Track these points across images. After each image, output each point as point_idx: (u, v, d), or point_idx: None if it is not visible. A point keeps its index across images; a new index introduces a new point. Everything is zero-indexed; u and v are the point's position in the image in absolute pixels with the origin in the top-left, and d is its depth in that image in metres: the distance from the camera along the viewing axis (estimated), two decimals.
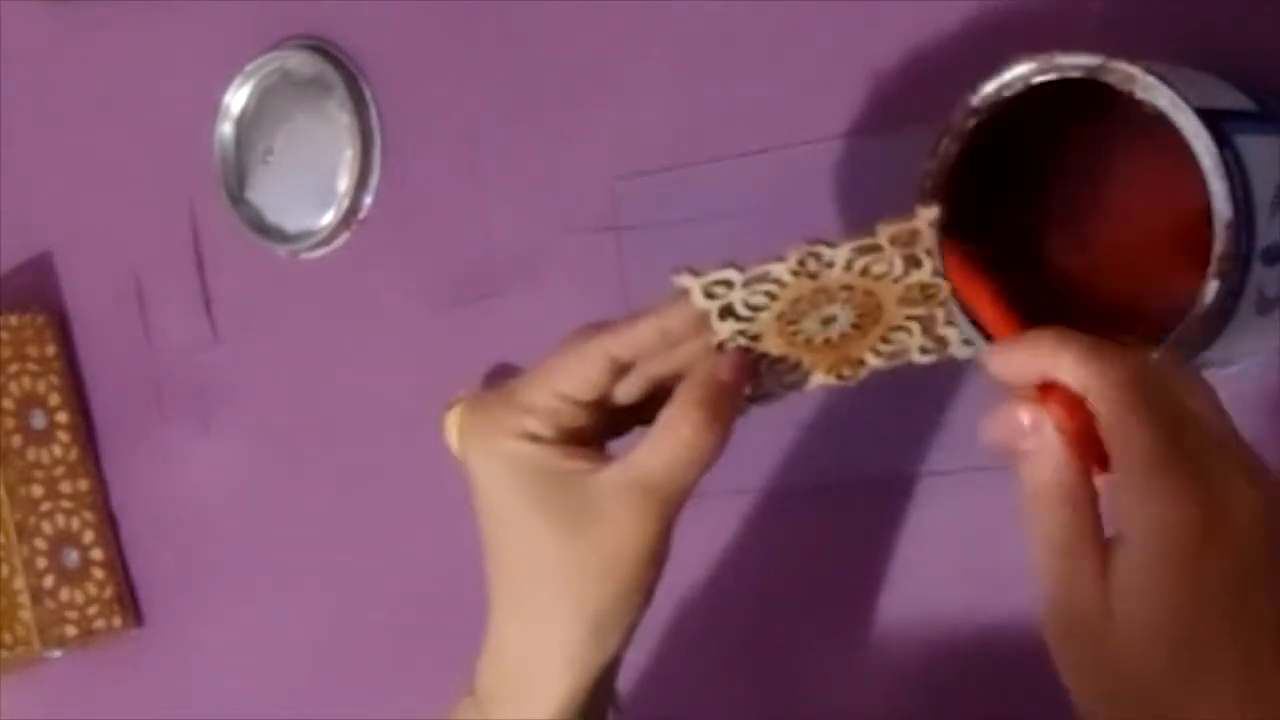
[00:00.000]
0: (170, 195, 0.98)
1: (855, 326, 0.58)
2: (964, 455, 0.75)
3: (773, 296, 0.56)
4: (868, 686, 0.79)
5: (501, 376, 0.88)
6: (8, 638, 0.96)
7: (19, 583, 0.97)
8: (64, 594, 0.99)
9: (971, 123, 0.61)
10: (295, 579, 0.96)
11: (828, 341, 0.58)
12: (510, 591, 0.58)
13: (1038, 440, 0.51)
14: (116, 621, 1.01)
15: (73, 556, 1.00)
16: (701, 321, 0.57)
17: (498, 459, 0.57)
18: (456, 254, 0.89)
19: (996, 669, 0.75)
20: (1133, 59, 0.58)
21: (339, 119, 0.92)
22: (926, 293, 0.57)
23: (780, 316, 0.57)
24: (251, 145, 0.96)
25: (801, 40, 0.78)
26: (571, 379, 0.57)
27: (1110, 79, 0.58)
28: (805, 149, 0.77)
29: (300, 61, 0.93)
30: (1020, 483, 0.51)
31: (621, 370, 0.57)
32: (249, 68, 0.95)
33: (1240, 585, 0.48)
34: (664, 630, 0.83)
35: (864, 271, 0.56)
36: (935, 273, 0.56)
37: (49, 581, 0.98)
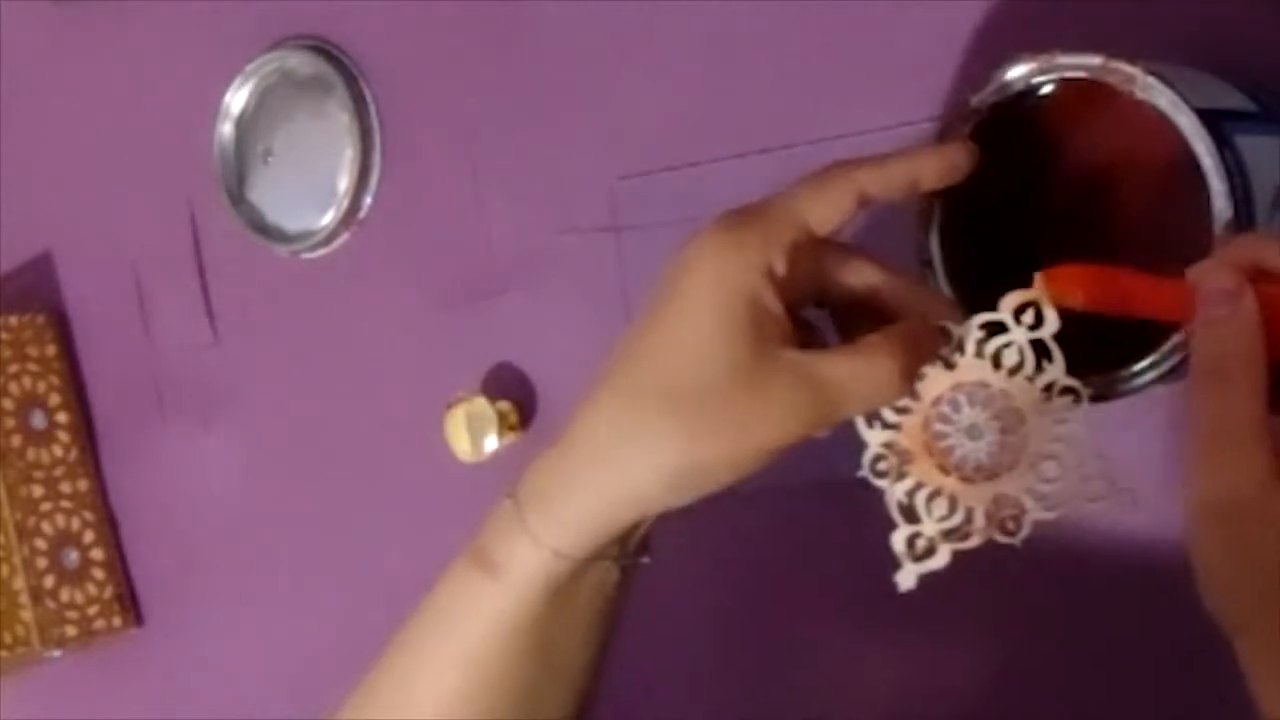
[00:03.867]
0: (170, 195, 0.99)
1: (1005, 449, 0.56)
2: None
3: (913, 395, 0.56)
4: (865, 687, 0.79)
5: (502, 377, 0.88)
6: (8, 638, 0.96)
7: (19, 583, 0.97)
8: (64, 594, 0.99)
9: (972, 123, 0.61)
10: (295, 579, 0.96)
11: (980, 467, 0.56)
12: (632, 396, 0.55)
13: (1234, 308, 0.50)
14: (117, 621, 1.01)
15: (73, 557, 1.00)
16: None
17: (733, 279, 0.54)
18: (456, 254, 0.89)
19: (996, 668, 0.75)
20: (1133, 59, 0.58)
21: (339, 119, 0.92)
22: (1067, 401, 0.56)
23: (926, 426, 0.56)
24: (251, 145, 0.96)
25: (801, 40, 0.78)
26: (819, 208, 0.56)
27: (1110, 79, 0.58)
28: (805, 149, 0.77)
29: (300, 61, 0.93)
30: (1199, 354, 0.50)
31: (864, 206, 0.56)
32: (249, 68, 0.95)
33: None
34: (661, 630, 0.83)
35: (996, 362, 0.56)
36: (1068, 370, 0.55)
37: (49, 582, 0.98)
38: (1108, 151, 0.64)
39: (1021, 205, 0.64)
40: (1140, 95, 0.58)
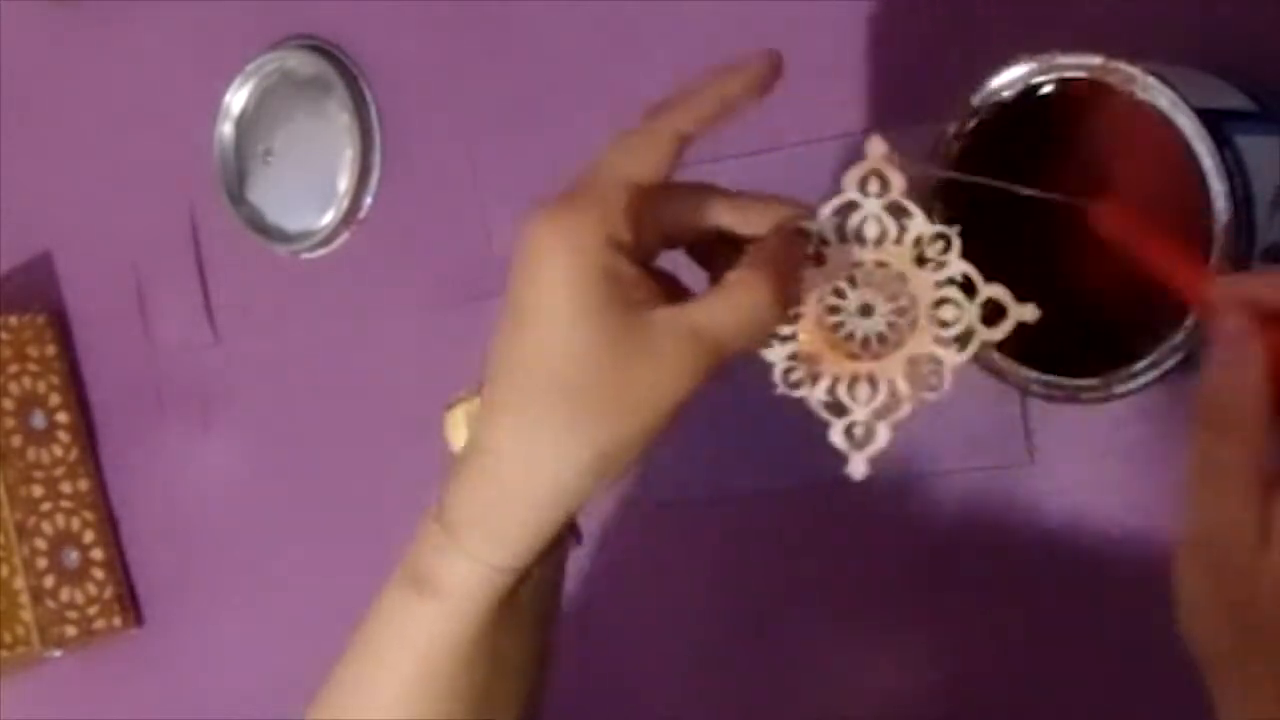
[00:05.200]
0: (170, 195, 0.99)
1: (900, 313, 0.56)
2: (962, 455, 0.75)
3: (798, 301, 0.56)
4: (864, 687, 0.79)
5: None
6: (8, 638, 0.96)
7: (19, 583, 0.97)
8: (64, 594, 0.99)
9: (971, 123, 0.61)
10: (295, 578, 0.96)
11: (884, 339, 0.56)
12: (523, 403, 0.55)
13: (1238, 351, 0.50)
14: (117, 621, 1.01)
15: (73, 556, 1.00)
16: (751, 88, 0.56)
17: (580, 260, 0.54)
18: (456, 254, 0.89)
19: (995, 668, 0.75)
20: (1133, 59, 0.58)
21: (339, 119, 0.92)
22: (940, 248, 0.56)
23: (820, 323, 0.56)
24: (251, 145, 0.96)
25: (802, 40, 0.78)
26: (641, 163, 0.55)
27: (1110, 79, 0.58)
28: (805, 149, 0.77)
29: (300, 61, 0.93)
30: (1204, 391, 0.50)
31: (687, 145, 0.56)
32: (249, 68, 0.95)
33: None
34: (656, 631, 0.83)
35: (861, 240, 0.56)
36: (933, 218, 0.56)
37: (49, 581, 0.98)
38: (1108, 152, 0.64)
39: (1021, 205, 0.64)
40: (1140, 95, 0.58)
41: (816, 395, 0.57)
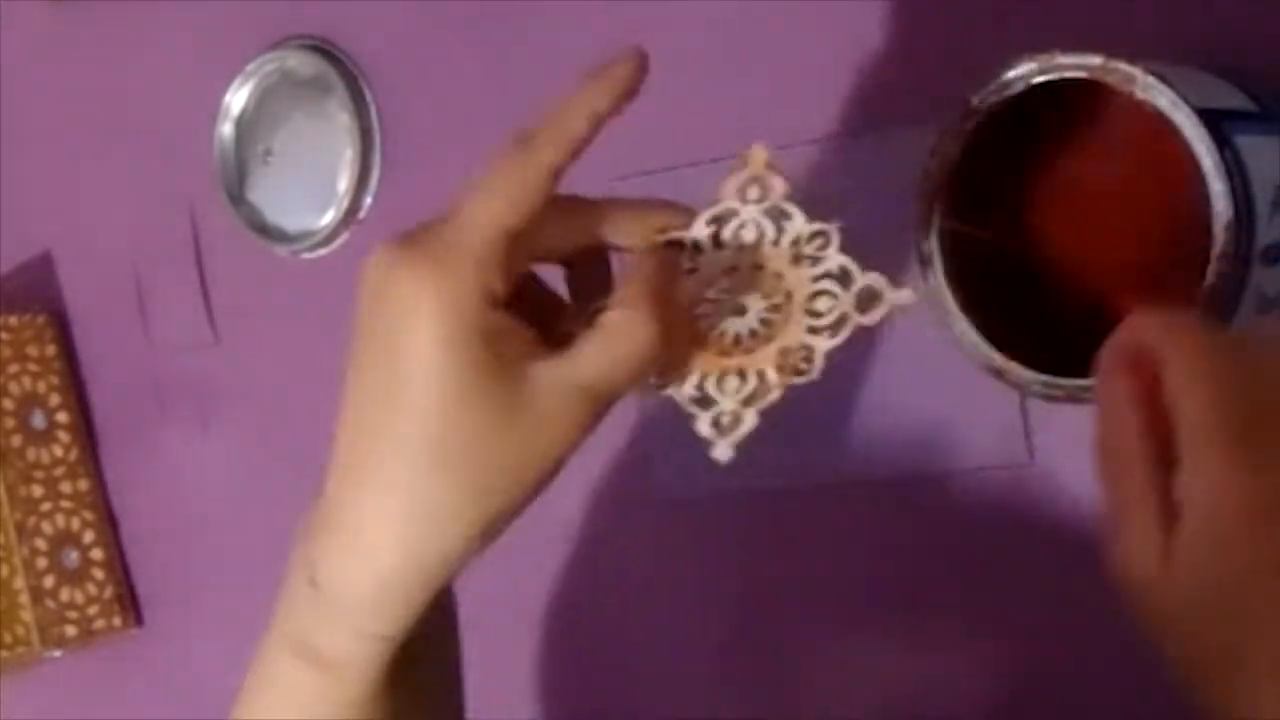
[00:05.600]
0: (170, 195, 0.99)
1: (774, 310, 0.56)
2: (962, 455, 0.75)
3: None
4: (864, 687, 0.79)
5: None
6: (8, 638, 0.96)
7: (19, 583, 0.97)
8: (64, 594, 0.99)
9: (971, 123, 0.61)
10: None
11: (755, 334, 0.56)
12: (393, 477, 0.52)
13: (1108, 398, 0.51)
14: (117, 621, 1.01)
15: (73, 556, 1.00)
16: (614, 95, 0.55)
17: (454, 320, 0.51)
18: None
19: (995, 668, 0.75)
20: (1133, 59, 0.58)
21: (339, 119, 0.92)
22: (819, 245, 0.55)
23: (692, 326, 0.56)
24: (251, 145, 0.96)
25: (802, 40, 0.78)
26: (513, 204, 0.52)
27: (1110, 79, 0.58)
28: (805, 149, 0.77)
29: (300, 61, 0.93)
30: (1096, 446, 0.51)
31: (559, 178, 0.53)
32: (249, 68, 0.95)
33: None
34: (656, 631, 0.83)
35: (739, 245, 0.56)
36: (811, 218, 0.55)
37: (49, 581, 0.98)
38: (1107, 152, 0.64)
39: (1021, 205, 0.64)
40: (1140, 95, 0.58)
41: (685, 392, 0.56)
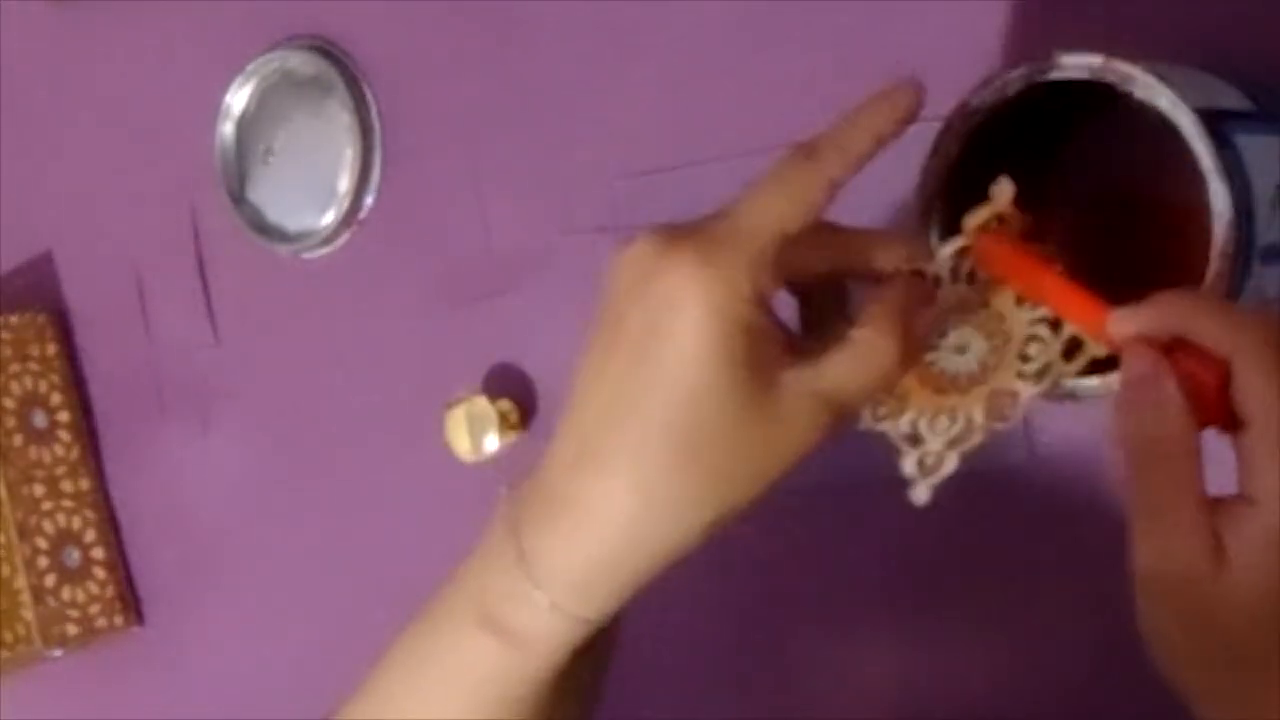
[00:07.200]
0: (170, 195, 0.99)
1: (993, 351, 0.56)
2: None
3: None
4: (865, 687, 0.79)
5: (502, 376, 0.88)
6: (9, 637, 0.96)
7: (20, 582, 0.97)
8: (65, 593, 0.99)
9: (972, 123, 0.61)
10: (295, 578, 0.96)
11: (973, 379, 0.56)
12: (637, 461, 0.52)
13: (1156, 393, 0.50)
14: (118, 620, 1.01)
15: (74, 555, 1.00)
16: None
17: (725, 316, 0.51)
18: (456, 254, 0.89)
19: (996, 668, 0.75)
20: (1133, 59, 0.58)
21: (339, 119, 0.92)
22: None
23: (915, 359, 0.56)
24: (251, 145, 0.96)
25: (802, 40, 0.78)
26: (791, 211, 0.53)
27: (1110, 79, 0.58)
28: None
29: (300, 61, 0.93)
30: (1129, 433, 0.51)
31: (836, 191, 0.54)
32: (249, 68, 0.95)
33: None
34: (656, 631, 0.83)
35: (973, 281, 0.56)
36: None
37: (50, 580, 0.98)
38: (1107, 152, 0.64)
39: (1021, 205, 0.64)
40: (1140, 95, 0.58)
41: (901, 428, 0.56)
